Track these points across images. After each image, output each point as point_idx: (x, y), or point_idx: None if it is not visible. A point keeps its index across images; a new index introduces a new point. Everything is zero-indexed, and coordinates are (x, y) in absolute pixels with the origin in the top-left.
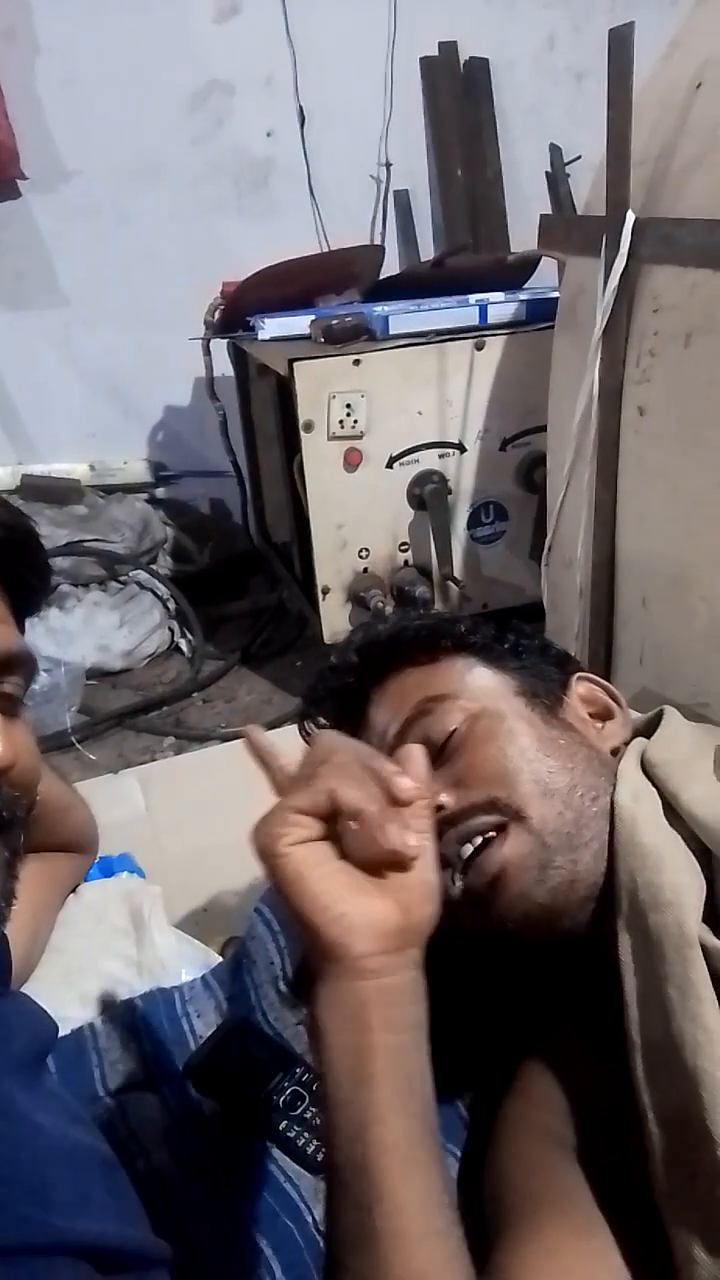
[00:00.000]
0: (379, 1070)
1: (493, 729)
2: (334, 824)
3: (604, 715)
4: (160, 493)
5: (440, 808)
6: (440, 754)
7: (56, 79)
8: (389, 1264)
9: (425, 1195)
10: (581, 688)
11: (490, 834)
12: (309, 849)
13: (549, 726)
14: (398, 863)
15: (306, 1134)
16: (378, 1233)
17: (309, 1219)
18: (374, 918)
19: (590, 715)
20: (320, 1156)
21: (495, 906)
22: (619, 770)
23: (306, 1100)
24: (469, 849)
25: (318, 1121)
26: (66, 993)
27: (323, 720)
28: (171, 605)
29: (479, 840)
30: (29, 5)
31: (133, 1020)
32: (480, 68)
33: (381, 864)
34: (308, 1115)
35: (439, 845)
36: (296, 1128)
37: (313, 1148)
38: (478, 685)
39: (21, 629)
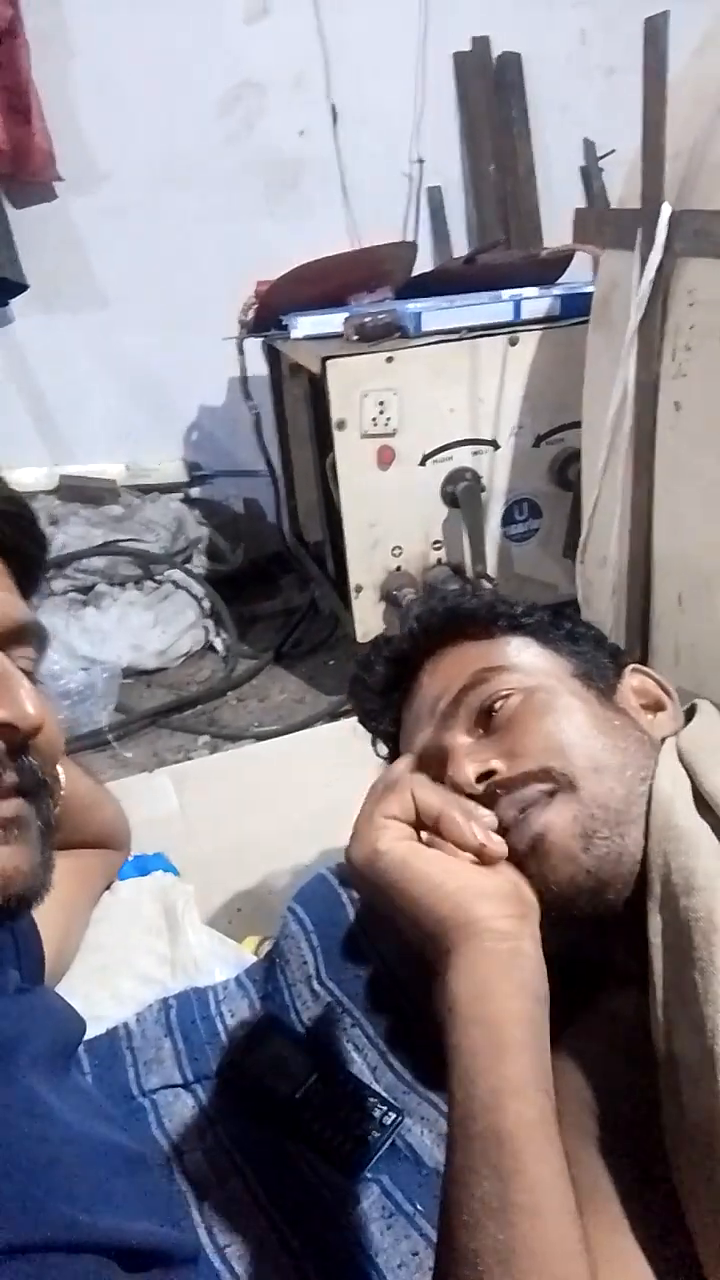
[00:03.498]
0: (518, 1040)
1: (549, 702)
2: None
3: (655, 707)
4: (195, 492)
5: (492, 773)
6: (492, 724)
7: (90, 82)
8: (526, 1236)
9: (559, 1172)
10: (634, 679)
11: (541, 798)
12: (407, 843)
13: (604, 708)
14: (483, 860)
15: (340, 1135)
16: (517, 1205)
17: (340, 1220)
18: (490, 883)
19: (642, 706)
20: (355, 1155)
21: (539, 870)
22: (660, 757)
23: (340, 1102)
24: (521, 818)
25: (351, 1123)
26: (100, 990)
27: (371, 689)
28: (206, 604)
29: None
30: (62, 9)
31: (166, 1020)
32: (512, 63)
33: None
34: (341, 1116)
35: (492, 811)
36: (331, 1129)
37: (347, 1149)
38: (534, 662)
39: (28, 602)
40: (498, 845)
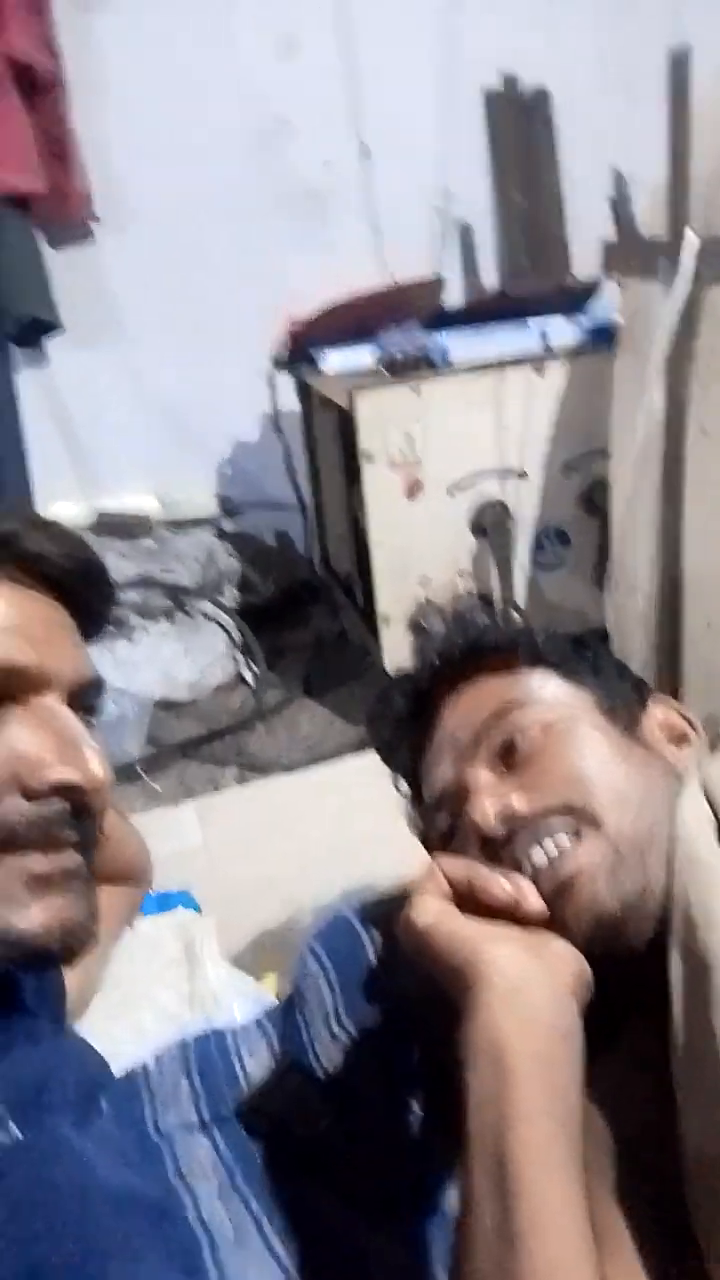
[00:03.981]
0: (526, 1071)
1: (572, 736)
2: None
3: (680, 739)
4: (226, 525)
5: (513, 810)
6: (513, 759)
7: (124, 122)
8: (531, 1256)
9: (567, 1196)
10: (659, 711)
11: (563, 837)
12: (439, 910)
13: (627, 741)
14: (522, 917)
15: (358, 1177)
16: (519, 1228)
17: (361, 1262)
18: (505, 930)
19: (666, 739)
20: (376, 1199)
21: (565, 912)
22: (684, 790)
23: (359, 1144)
24: (539, 852)
25: (371, 1165)
26: (121, 1026)
27: (390, 724)
28: (235, 636)
29: (550, 844)
30: (99, 53)
31: (184, 1059)
32: (540, 97)
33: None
34: (361, 1159)
35: (512, 849)
36: (348, 1171)
37: (366, 1191)
38: (556, 695)
39: None
40: (535, 901)
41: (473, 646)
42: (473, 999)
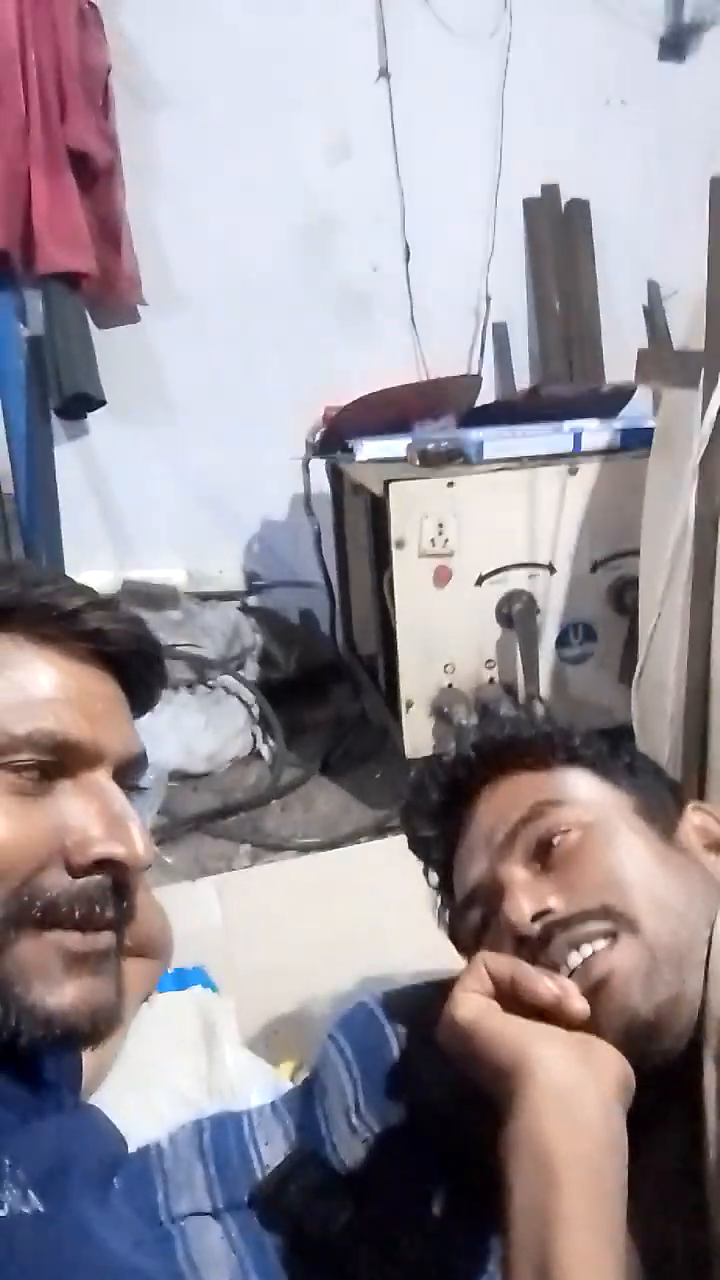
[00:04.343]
0: (572, 1179)
1: (609, 838)
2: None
3: (717, 847)
4: (252, 601)
5: (549, 911)
6: (549, 858)
7: (177, 212)
8: None
9: None
10: (696, 817)
11: (600, 941)
12: (482, 1007)
13: (665, 846)
14: (565, 1017)
15: (374, 1274)
16: None
17: None
18: (550, 1030)
19: (704, 846)
20: None
21: (598, 1015)
22: None
23: (375, 1241)
24: (576, 957)
25: (387, 1265)
26: (133, 1104)
27: (424, 816)
28: (255, 711)
29: (587, 949)
30: (156, 145)
31: (199, 1143)
32: (580, 208)
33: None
34: (376, 1257)
35: (547, 950)
36: (365, 1268)
37: None
38: (593, 796)
39: None
40: (579, 1001)
41: (510, 741)
42: (520, 1100)
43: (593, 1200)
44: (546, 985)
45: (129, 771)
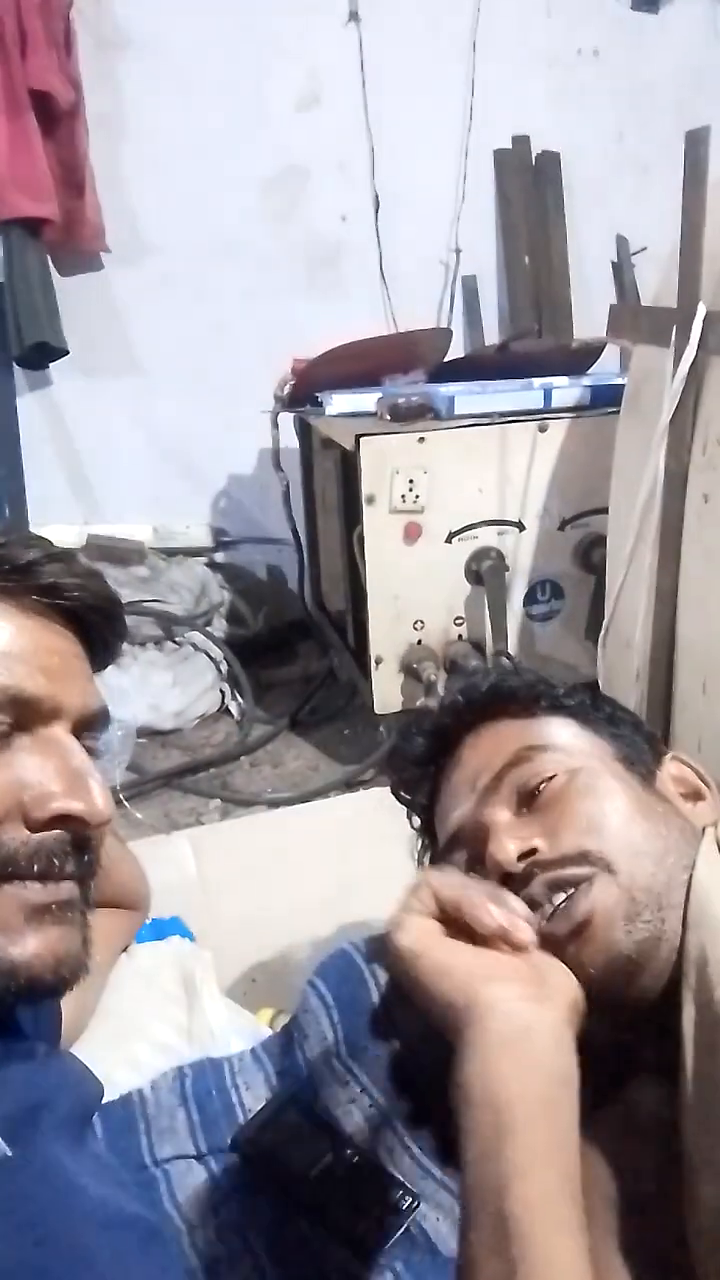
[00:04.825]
0: (524, 1120)
1: (591, 784)
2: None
3: (694, 796)
4: (219, 557)
5: (534, 851)
6: (534, 802)
7: (143, 160)
8: None
9: (570, 1251)
10: (673, 766)
11: (580, 884)
12: (427, 936)
13: (646, 794)
14: (514, 946)
15: (355, 1218)
16: None
17: None
18: (502, 967)
19: (681, 795)
20: (369, 1240)
21: (580, 952)
22: (701, 846)
23: (356, 1184)
24: (560, 897)
25: (366, 1206)
26: (115, 1056)
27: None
28: (224, 668)
29: (570, 890)
30: (121, 92)
31: (181, 1089)
32: (551, 160)
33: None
34: (356, 1199)
35: (526, 889)
36: (345, 1211)
37: (361, 1231)
38: (576, 744)
39: None
40: (523, 931)
41: (496, 689)
42: (469, 1043)
43: (547, 1142)
44: (490, 913)
45: (89, 727)
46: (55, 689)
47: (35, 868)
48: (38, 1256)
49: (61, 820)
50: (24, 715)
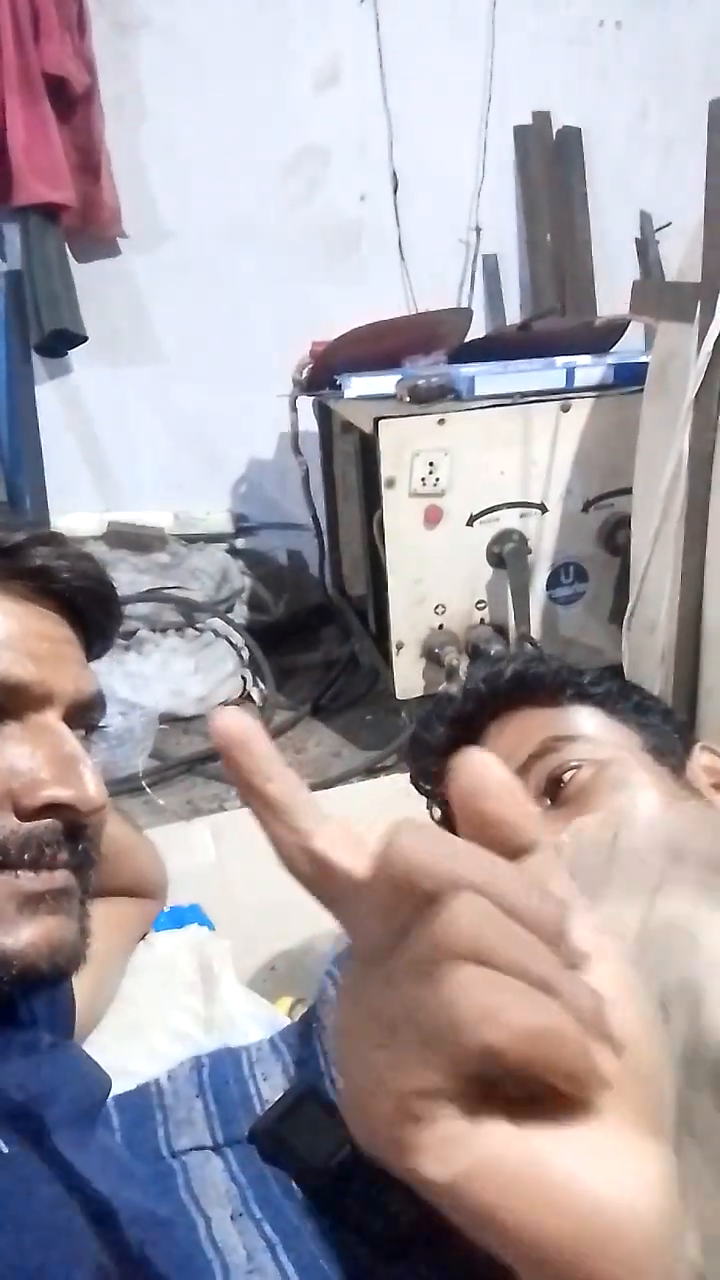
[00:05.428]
0: None
1: (622, 777)
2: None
3: None
4: (240, 543)
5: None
6: (560, 796)
7: (159, 143)
8: None
9: None
10: (704, 757)
11: None
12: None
13: (676, 784)
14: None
15: (372, 1211)
16: None
17: None
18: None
19: (712, 785)
20: (387, 1232)
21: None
22: None
23: (374, 1176)
24: None
25: (384, 1198)
26: (133, 1045)
27: (431, 750)
28: (245, 654)
29: None
30: (137, 75)
31: (199, 1079)
32: (572, 137)
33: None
34: (374, 1191)
35: None
36: (362, 1203)
37: (379, 1225)
38: (603, 734)
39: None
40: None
41: (520, 676)
42: None
43: None
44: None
45: (83, 713)
46: (45, 675)
47: (26, 856)
48: (36, 1256)
49: (52, 809)
50: (13, 702)
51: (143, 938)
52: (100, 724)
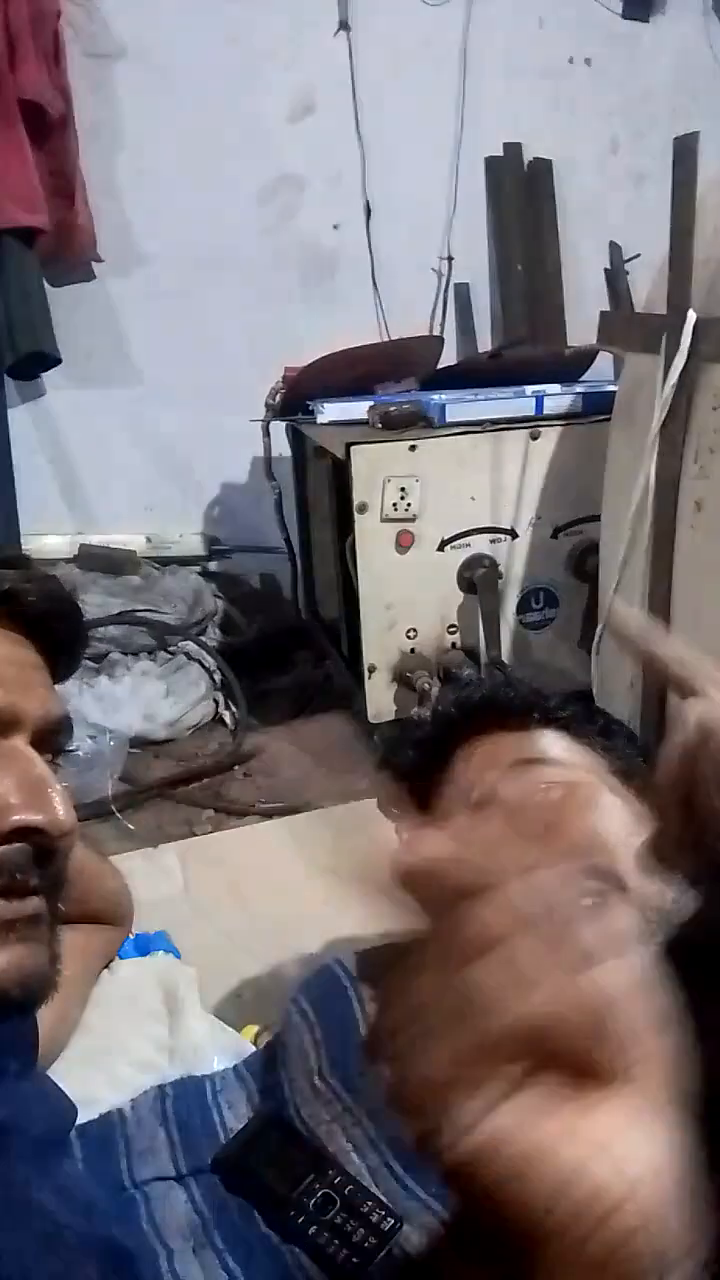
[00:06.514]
0: None
1: (591, 799)
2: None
3: None
4: (213, 566)
5: None
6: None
7: (135, 170)
8: None
9: None
10: None
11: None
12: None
13: (642, 808)
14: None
15: (336, 1240)
16: None
17: None
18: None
19: None
20: (350, 1263)
21: None
22: None
23: (337, 1205)
24: None
25: (348, 1228)
26: (96, 1074)
27: (400, 774)
28: (218, 677)
29: None
30: (113, 103)
31: (161, 1108)
32: (543, 168)
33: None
34: (338, 1220)
35: None
36: (326, 1233)
37: (342, 1255)
38: (571, 757)
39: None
40: None
41: (488, 701)
42: None
43: None
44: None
45: (51, 737)
46: (13, 699)
47: None
48: None
49: (22, 833)
50: None
51: (108, 965)
52: (68, 747)
